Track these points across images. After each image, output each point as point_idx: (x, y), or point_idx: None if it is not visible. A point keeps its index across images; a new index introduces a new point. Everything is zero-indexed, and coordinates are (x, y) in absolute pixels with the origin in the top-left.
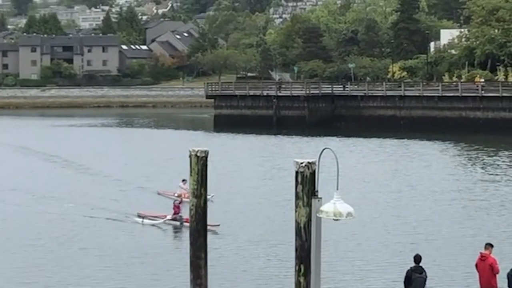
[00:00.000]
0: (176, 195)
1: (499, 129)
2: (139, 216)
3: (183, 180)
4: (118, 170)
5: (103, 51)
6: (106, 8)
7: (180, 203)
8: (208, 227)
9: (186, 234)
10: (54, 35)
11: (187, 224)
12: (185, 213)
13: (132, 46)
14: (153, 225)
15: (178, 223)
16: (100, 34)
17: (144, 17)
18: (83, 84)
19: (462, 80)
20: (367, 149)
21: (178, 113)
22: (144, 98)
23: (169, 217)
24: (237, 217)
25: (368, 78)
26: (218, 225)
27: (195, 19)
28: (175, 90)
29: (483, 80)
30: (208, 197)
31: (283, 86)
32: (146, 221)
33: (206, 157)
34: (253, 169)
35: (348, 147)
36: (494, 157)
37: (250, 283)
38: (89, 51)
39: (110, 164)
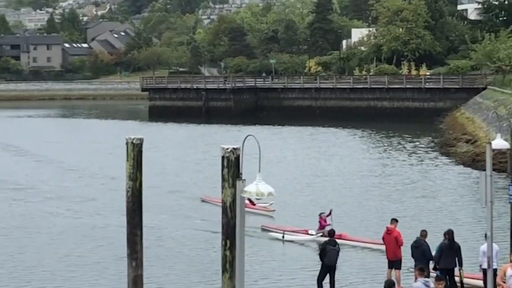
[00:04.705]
0: None
1: (403, 117)
2: (268, 230)
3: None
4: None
5: (48, 49)
6: (50, 10)
7: (328, 215)
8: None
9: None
10: (2, 35)
11: (343, 241)
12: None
13: (74, 45)
14: (295, 241)
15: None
16: (45, 34)
17: (85, 18)
18: (29, 79)
19: (370, 74)
20: (287, 136)
21: (116, 104)
22: (85, 91)
23: (312, 232)
24: (170, 197)
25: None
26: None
27: (131, 20)
28: (113, 84)
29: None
30: (266, 204)
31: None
32: (288, 236)
33: (141, 144)
34: (184, 154)
35: (270, 134)
36: (400, 142)
37: (181, 257)
38: (34, 49)
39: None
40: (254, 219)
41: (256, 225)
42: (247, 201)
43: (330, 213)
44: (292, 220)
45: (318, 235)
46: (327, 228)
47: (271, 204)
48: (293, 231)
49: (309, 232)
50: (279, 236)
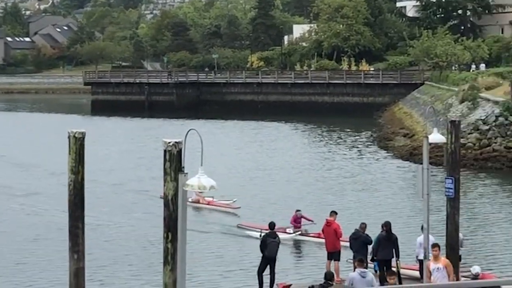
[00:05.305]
0: (191, 200)
1: (343, 112)
2: (244, 228)
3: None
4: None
5: None
6: None
7: (301, 217)
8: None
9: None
10: None
11: (317, 240)
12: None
13: (16, 38)
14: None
15: (304, 238)
16: None
17: (28, 12)
18: None
19: (311, 69)
20: (230, 130)
21: (59, 98)
22: (28, 85)
23: (290, 230)
24: (113, 190)
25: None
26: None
27: (74, 14)
28: (56, 78)
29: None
30: (229, 201)
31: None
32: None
33: (83, 138)
34: (127, 148)
35: (213, 129)
36: (340, 136)
37: (123, 249)
38: None
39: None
40: (219, 216)
41: (223, 222)
42: (210, 199)
43: (302, 217)
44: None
45: (297, 233)
46: (303, 227)
47: (234, 201)
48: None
49: (287, 230)
50: (257, 234)
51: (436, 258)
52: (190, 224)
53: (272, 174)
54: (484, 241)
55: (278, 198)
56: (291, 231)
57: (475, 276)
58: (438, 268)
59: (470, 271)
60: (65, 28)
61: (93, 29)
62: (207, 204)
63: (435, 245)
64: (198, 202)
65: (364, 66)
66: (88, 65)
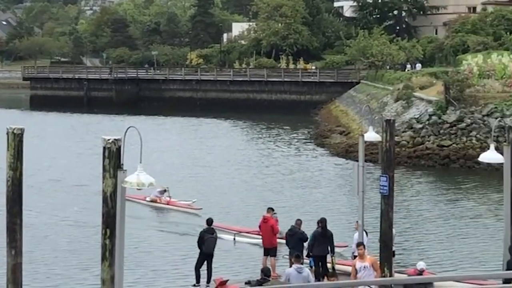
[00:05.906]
0: (147, 199)
1: (281, 109)
2: (217, 229)
3: (164, 191)
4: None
5: None
6: None
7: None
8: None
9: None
10: None
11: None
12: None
13: None
14: (250, 243)
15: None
16: None
17: None
18: None
19: (250, 67)
20: (170, 127)
21: None
22: None
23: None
24: (52, 186)
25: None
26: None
27: (13, 9)
28: None
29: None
30: (189, 202)
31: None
32: (239, 238)
33: (22, 134)
34: (65, 145)
35: (154, 125)
36: (279, 133)
37: (61, 245)
38: None
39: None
40: (184, 217)
41: (181, 222)
42: (168, 198)
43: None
44: None
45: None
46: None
47: (194, 201)
48: (244, 232)
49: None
50: (231, 237)
51: (361, 256)
52: (144, 223)
53: (212, 171)
54: (419, 238)
55: (219, 195)
56: None
57: (420, 272)
58: (364, 267)
59: (416, 266)
60: (4, 23)
61: (32, 25)
62: (166, 204)
63: (360, 244)
64: (155, 201)
65: (302, 65)
66: (27, 60)
